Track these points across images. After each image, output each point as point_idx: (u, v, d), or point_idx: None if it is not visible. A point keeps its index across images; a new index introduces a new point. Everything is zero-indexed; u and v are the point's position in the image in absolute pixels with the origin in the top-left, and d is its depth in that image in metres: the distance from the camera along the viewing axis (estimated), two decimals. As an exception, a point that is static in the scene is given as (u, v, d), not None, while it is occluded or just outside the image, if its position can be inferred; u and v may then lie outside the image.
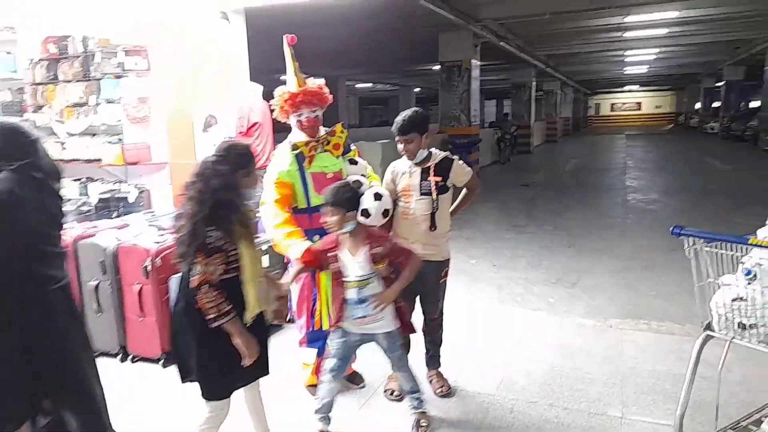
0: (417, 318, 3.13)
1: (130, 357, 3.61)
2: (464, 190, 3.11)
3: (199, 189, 2.10)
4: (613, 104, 44.50)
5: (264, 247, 3.93)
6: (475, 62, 12.44)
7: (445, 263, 3.07)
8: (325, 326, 2.80)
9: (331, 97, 2.92)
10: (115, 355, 3.64)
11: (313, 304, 2.80)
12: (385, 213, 2.66)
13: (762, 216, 2.35)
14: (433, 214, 2.92)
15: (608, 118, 43.77)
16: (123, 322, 3.56)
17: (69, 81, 4.57)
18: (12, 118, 4.64)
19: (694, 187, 10.82)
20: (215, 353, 2.16)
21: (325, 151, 2.89)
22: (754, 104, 21.45)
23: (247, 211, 2.21)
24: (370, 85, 27.96)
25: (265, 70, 4.21)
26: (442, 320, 3.21)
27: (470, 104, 12.47)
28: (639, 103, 43.60)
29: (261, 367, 2.33)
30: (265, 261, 3.89)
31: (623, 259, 5.90)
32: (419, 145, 2.89)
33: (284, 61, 2.91)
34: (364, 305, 2.54)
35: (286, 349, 3.52)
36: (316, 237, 2.76)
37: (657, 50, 17.80)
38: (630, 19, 11.66)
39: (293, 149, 2.81)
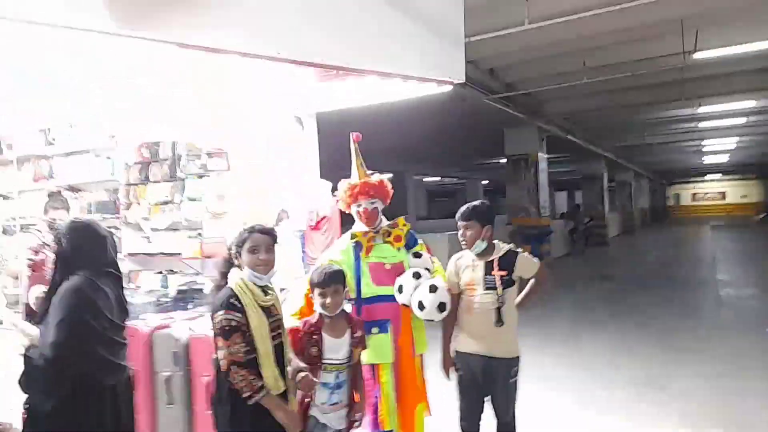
0: (488, 421, 2.92)
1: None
2: (532, 281, 2.98)
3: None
4: (694, 194, 42.65)
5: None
6: (542, 155, 12.49)
7: (514, 360, 2.89)
8: (389, 426, 2.66)
9: (391, 191, 2.97)
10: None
11: (376, 402, 2.68)
12: (441, 307, 2.60)
13: None
14: (498, 309, 2.80)
15: (690, 208, 41.79)
16: (191, 414, 3.55)
17: (158, 181, 4.97)
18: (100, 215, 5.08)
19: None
20: None
21: (386, 242, 2.89)
22: None
23: (255, 289, 2.26)
24: (437, 178, 28.56)
25: (334, 167, 4.39)
26: (514, 425, 2.97)
27: (539, 195, 12.37)
28: (723, 193, 41.51)
29: None
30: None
31: (715, 361, 5.33)
32: (479, 234, 2.86)
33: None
34: (339, 391, 2.55)
35: None
36: (375, 329, 2.71)
37: (737, 139, 17.18)
38: (703, 109, 11.42)
39: (351, 238, 2.84)
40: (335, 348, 2.56)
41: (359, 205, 2.87)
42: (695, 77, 9.03)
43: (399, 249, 2.91)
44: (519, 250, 2.95)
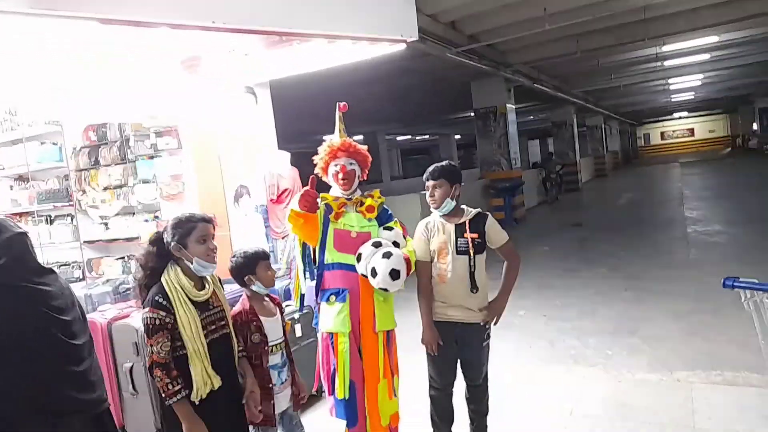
0: (459, 386, 2.92)
1: (167, 440, 3.51)
2: (504, 267, 2.91)
3: (136, 273, 2.24)
4: (663, 132, 43.16)
5: (296, 316, 3.85)
6: (510, 106, 12.38)
7: (487, 326, 2.88)
8: (342, 395, 2.64)
9: (370, 159, 2.87)
10: (153, 438, 3.56)
11: (333, 370, 2.65)
12: (393, 274, 2.50)
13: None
14: (472, 274, 2.76)
15: (660, 147, 42.38)
16: (159, 404, 3.49)
17: (108, 165, 4.76)
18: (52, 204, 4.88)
19: (762, 216, 9.95)
20: None
21: (358, 212, 2.79)
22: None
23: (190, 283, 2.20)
24: (409, 136, 28.35)
25: (293, 137, 4.25)
26: (486, 386, 2.97)
27: (509, 147, 12.33)
28: (691, 129, 42.10)
29: None
30: (298, 330, 3.79)
31: (688, 301, 5.44)
32: (447, 193, 2.79)
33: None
34: (285, 368, 2.62)
35: (324, 421, 3.32)
36: (332, 297, 2.65)
37: (702, 75, 17.24)
38: (667, 48, 11.36)
39: (322, 200, 2.74)
40: (273, 327, 2.58)
41: (337, 164, 2.75)
42: (657, 16, 8.93)
43: (369, 220, 2.80)
44: (487, 213, 2.89)
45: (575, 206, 15.34)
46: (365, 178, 2.88)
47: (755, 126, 29.94)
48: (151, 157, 4.45)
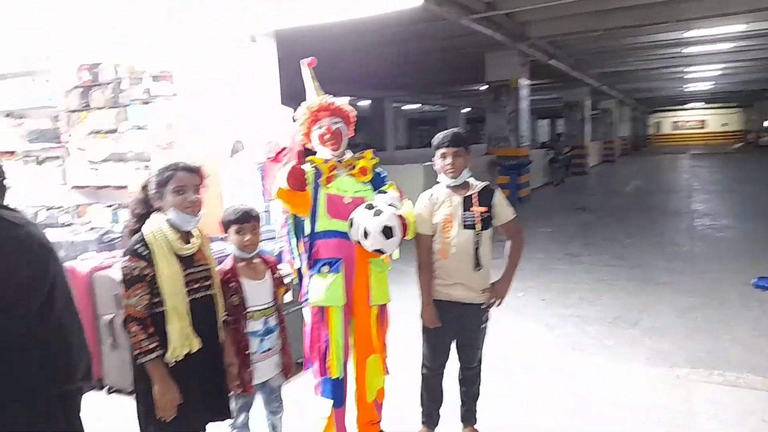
0: (452, 367, 2.77)
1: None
2: (508, 246, 2.72)
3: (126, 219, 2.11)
4: (675, 122, 42.51)
5: (286, 280, 3.67)
6: (524, 81, 12.01)
7: (487, 308, 2.70)
8: (336, 374, 2.47)
9: (354, 113, 2.63)
10: (129, 393, 3.42)
11: (326, 348, 2.47)
12: (386, 231, 2.29)
13: None
14: (476, 251, 2.57)
15: (670, 137, 41.79)
16: (132, 362, 3.35)
17: (101, 108, 4.52)
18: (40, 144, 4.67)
19: (769, 211, 9.82)
20: (148, 397, 1.98)
21: (350, 175, 2.57)
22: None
23: (171, 235, 2.03)
24: (417, 106, 27.86)
25: (297, 95, 3.99)
26: (480, 369, 2.83)
27: (519, 124, 12.02)
28: (703, 121, 41.45)
29: (202, 419, 2.13)
30: (288, 295, 3.62)
31: (691, 295, 5.28)
32: (466, 162, 2.60)
33: (320, 82, 2.68)
34: (270, 336, 2.43)
35: (303, 395, 3.17)
36: (325, 268, 2.45)
37: (721, 66, 16.76)
38: (691, 34, 10.94)
39: (311, 164, 2.53)
40: (257, 291, 2.40)
41: (320, 127, 2.52)
42: (687, -4, 8.55)
43: (363, 183, 2.58)
44: (495, 187, 2.69)
45: (581, 190, 15.10)
46: (353, 134, 2.66)
47: (767, 123, 29.48)
48: (145, 103, 4.20)
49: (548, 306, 5.14)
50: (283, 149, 4.46)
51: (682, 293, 5.34)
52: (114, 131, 4.49)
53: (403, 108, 28.09)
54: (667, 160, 24.86)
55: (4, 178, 1.71)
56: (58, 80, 4.67)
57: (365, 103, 22.65)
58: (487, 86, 12.26)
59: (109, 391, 3.51)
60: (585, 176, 18.62)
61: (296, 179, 2.35)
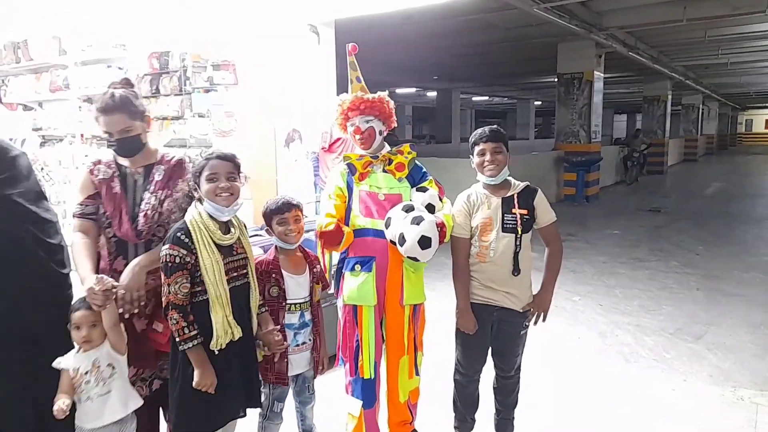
0: (487, 374, 2.68)
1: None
2: (547, 254, 2.59)
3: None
4: (768, 121, 39.34)
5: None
6: (598, 74, 11.46)
7: (527, 313, 2.58)
8: (368, 374, 2.45)
9: (392, 110, 2.54)
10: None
11: (357, 347, 2.45)
12: (423, 242, 2.22)
13: None
14: (516, 255, 2.46)
15: (762, 136, 38.68)
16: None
17: (168, 95, 4.72)
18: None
19: None
20: (187, 384, 2.01)
21: (386, 171, 2.52)
22: None
23: (215, 224, 2.05)
24: (486, 98, 27.29)
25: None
26: (518, 378, 2.70)
27: (591, 119, 11.50)
28: (802, 120, 38.12)
29: (237, 406, 2.16)
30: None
31: (766, 310, 4.86)
32: (506, 159, 2.49)
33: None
34: (304, 331, 2.43)
35: (335, 392, 3.02)
36: (357, 266, 2.42)
37: (827, 59, 15.26)
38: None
39: (344, 160, 2.50)
40: (297, 285, 2.40)
41: (352, 124, 2.48)
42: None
43: (400, 180, 2.51)
44: (537, 188, 2.56)
45: (656, 190, 14.27)
46: (392, 128, 2.58)
47: None
48: (207, 91, 4.34)
49: (605, 312, 4.89)
50: (338, 140, 4.50)
51: (756, 307, 4.93)
52: (179, 118, 4.68)
53: (472, 99, 27.60)
54: (758, 162, 23.03)
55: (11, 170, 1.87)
56: (132, 68, 4.91)
57: (432, 94, 22.42)
58: (557, 78, 11.81)
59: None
60: (662, 176, 17.59)
61: (331, 244, 2.40)
